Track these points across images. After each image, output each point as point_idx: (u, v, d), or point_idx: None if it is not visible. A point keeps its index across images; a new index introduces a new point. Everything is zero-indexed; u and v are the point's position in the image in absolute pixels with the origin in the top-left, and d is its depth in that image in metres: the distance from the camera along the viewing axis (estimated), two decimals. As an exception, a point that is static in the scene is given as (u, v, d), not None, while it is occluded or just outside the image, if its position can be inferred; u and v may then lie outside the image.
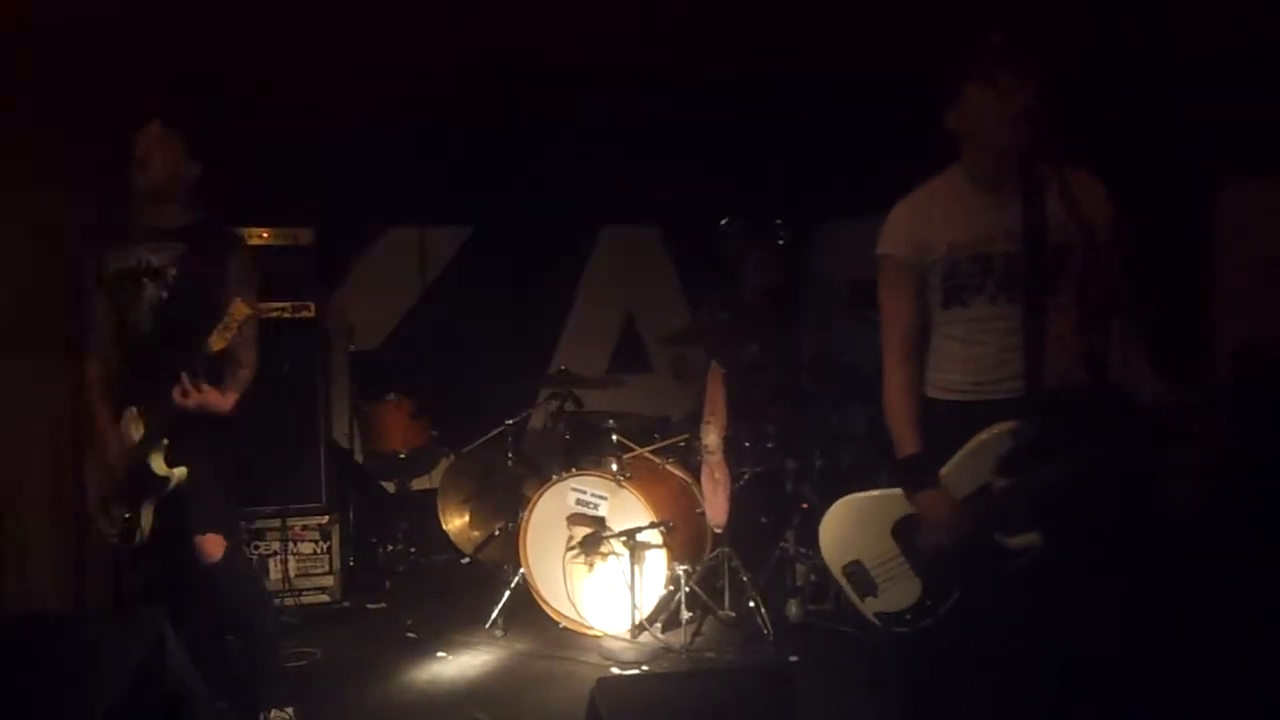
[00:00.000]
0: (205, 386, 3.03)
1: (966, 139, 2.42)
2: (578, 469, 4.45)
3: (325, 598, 4.73)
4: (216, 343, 2.96)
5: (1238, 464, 3.17)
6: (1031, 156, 2.33)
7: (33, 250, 3.83)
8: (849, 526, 2.62)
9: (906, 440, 2.47)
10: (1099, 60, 3.58)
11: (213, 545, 3.12)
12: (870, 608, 2.59)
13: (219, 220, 3.27)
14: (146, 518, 3.16)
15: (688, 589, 4.17)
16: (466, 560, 5.29)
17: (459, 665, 4.07)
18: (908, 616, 2.53)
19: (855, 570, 2.59)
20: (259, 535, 4.60)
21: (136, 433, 3.13)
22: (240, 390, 3.15)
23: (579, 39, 4.32)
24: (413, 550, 5.29)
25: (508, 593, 4.41)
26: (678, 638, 4.12)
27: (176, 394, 3.00)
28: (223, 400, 3.09)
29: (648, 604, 4.20)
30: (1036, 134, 2.28)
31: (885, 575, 2.55)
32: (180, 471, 3.13)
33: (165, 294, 3.14)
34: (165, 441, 3.11)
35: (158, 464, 3.11)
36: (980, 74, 2.32)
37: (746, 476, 4.61)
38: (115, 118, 3.29)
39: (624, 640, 4.17)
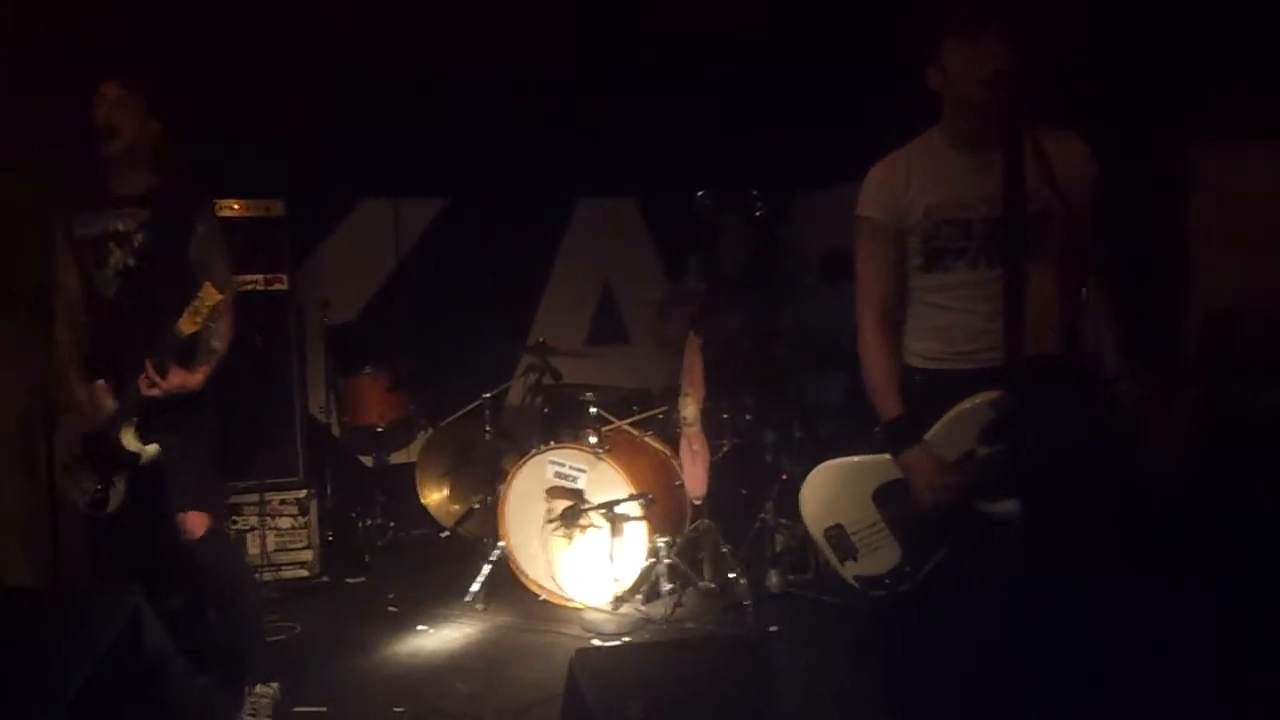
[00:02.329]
0: (173, 370, 2.99)
1: (946, 98, 2.39)
2: (556, 442, 4.44)
3: (304, 572, 4.71)
4: (186, 326, 2.92)
5: (1215, 430, 3.19)
6: (1011, 119, 2.29)
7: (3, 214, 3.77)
8: (831, 491, 2.61)
9: (889, 403, 2.45)
10: (1075, 21, 3.56)
11: (195, 522, 3.08)
12: (849, 571, 2.59)
13: (182, 182, 3.19)
14: (119, 491, 3.12)
15: (668, 561, 4.18)
16: (446, 534, 5.28)
17: (440, 639, 4.07)
18: (886, 581, 2.53)
19: (836, 534, 2.59)
20: (236, 510, 4.57)
21: (109, 404, 3.09)
22: (211, 365, 3.10)
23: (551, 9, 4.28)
24: (392, 524, 5.27)
25: (488, 566, 4.41)
26: (658, 609, 4.13)
27: (143, 384, 2.97)
28: (191, 379, 3.04)
29: (628, 576, 4.21)
30: (1015, 95, 2.24)
31: (865, 540, 2.55)
32: (152, 449, 3.09)
33: (131, 260, 3.08)
34: (136, 419, 3.07)
35: (129, 439, 3.07)
36: (959, 30, 2.29)
37: (725, 448, 4.61)
38: (78, 82, 3.23)
39: (604, 612, 4.17)
